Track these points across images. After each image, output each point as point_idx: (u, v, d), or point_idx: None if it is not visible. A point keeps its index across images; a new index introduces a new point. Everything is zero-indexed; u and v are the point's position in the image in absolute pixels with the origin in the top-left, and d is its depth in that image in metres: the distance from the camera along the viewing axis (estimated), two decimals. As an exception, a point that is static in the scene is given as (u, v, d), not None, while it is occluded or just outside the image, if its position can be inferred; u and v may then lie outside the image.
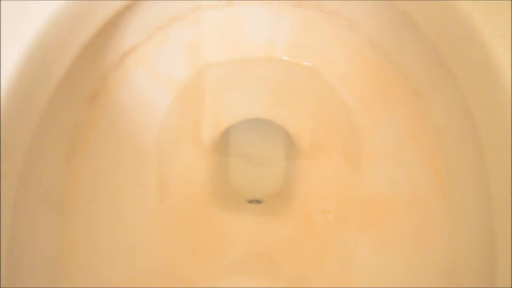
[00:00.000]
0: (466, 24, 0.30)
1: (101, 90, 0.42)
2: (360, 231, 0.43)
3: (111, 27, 0.38)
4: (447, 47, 0.33)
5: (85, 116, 0.41)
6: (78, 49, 0.34)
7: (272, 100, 0.50)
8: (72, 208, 0.40)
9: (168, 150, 0.48)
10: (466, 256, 0.36)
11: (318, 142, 0.50)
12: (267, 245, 0.48)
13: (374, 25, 0.41)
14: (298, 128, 0.51)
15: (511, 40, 0.29)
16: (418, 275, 0.39)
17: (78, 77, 0.37)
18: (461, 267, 0.36)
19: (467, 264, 0.36)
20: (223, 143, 0.54)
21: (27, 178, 0.33)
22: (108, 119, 0.43)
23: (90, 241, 0.41)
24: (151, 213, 0.46)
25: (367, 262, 0.42)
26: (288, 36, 0.47)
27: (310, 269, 0.44)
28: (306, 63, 0.48)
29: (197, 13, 0.44)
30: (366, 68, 0.45)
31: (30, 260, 0.35)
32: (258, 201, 0.53)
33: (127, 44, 0.42)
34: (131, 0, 0.37)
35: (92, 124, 0.42)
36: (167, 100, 0.47)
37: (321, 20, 0.44)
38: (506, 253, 0.29)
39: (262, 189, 0.54)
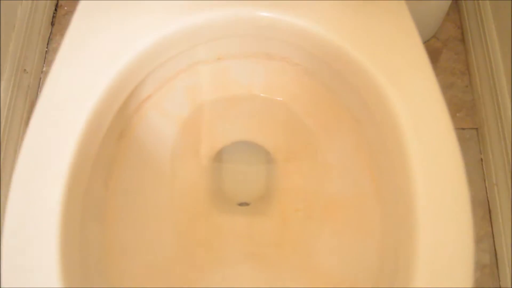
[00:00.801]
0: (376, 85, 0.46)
1: (126, 129, 0.57)
2: (321, 224, 0.59)
3: (138, 85, 0.53)
4: (365, 93, 0.49)
5: (116, 150, 0.56)
6: (119, 106, 0.49)
7: (253, 126, 0.66)
8: (110, 217, 0.55)
9: (176, 167, 0.63)
10: (393, 237, 0.52)
11: (289, 156, 0.66)
12: (254, 238, 0.64)
13: (324, 74, 0.56)
14: (273, 146, 0.66)
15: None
16: (362, 251, 0.55)
17: (114, 123, 0.52)
18: (389, 245, 0.52)
19: (393, 242, 0.51)
20: (218, 160, 0.69)
21: (84, 201, 0.48)
22: (133, 150, 0.58)
23: (124, 240, 0.56)
24: (167, 215, 0.61)
25: (327, 245, 0.58)
26: (264, 80, 0.62)
27: (286, 252, 0.60)
28: (278, 98, 0.63)
29: (196, 67, 0.59)
30: (321, 102, 0.60)
31: (87, 257, 0.50)
32: (246, 203, 0.68)
33: (145, 93, 0.57)
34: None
35: (121, 155, 0.56)
36: (174, 131, 0.62)
37: (287, 69, 0.59)
38: (423, 233, 0.43)
39: (248, 194, 0.69)
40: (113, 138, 0.54)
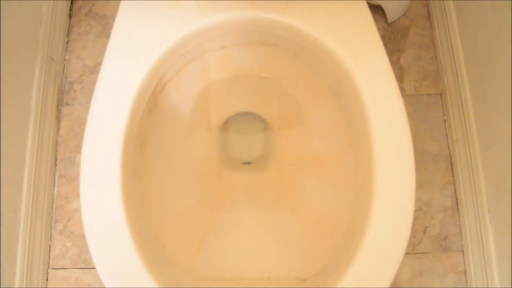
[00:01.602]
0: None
1: (154, 106, 0.72)
2: (310, 174, 0.75)
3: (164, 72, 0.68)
4: (337, 73, 0.64)
5: (147, 123, 0.71)
6: (152, 89, 0.64)
7: (252, 100, 0.81)
8: (145, 175, 0.70)
9: (193, 134, 0.79)
10: (363, 182, 0.67)
11: (282, 123, 0.81)
12: (256, 188, 0.80)
13: (307, 57, 0.71)
14: (269, 115, 0.82)
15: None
16: (341, 194, 0.71)
17: (148, 102, 0.67)
18: (362, 190, 0.67)
19: (364, 187, 0.67)
20: (225, 128, 0.84)
21: (132, 162, 0.64)
22: (159, 123, 0.73)
23: (157, 192, 0.72)
24: (187, 173, 0.77)
25: (315, 191, 0.74)
26: (260, 62, 0.77)
27: (282, 198, 0.76)
28: (272, 77, 0.78)
29: (205, 54, 0.74)
30: (307, 79, 0.75)
31: (134, 201, 0.65)
32: (249, 162, 0.84)
33: (167, 77, 0.72)
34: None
35: (151, 127, 0.72)
36: (190, 106, 0.77)
37: (278, 53, 0.74)
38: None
39: (250, 155, 0.85)
40: (145, 114, 0.69)
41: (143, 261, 0.54)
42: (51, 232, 0.99)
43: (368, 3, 1.09)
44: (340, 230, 0.65)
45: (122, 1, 0.66)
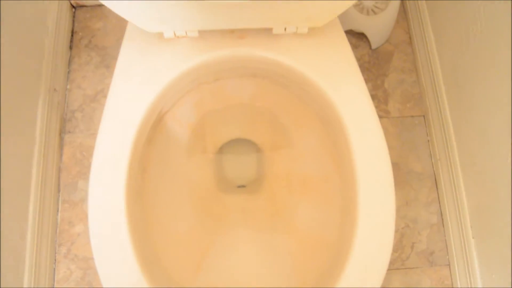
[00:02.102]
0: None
1: (153, 136, 0.77)
2: (299, 196, 0.81)
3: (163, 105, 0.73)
4: (320, 101, 0.70)
5: (147, 151, 0.76)
6: (153, 121, 0.70)
7: (245, 127, 0.87)
8: (146, 199, 0.75)
9: (190, 161, 0.84)
10: (349, 203, 0.73)
11: (273, 147, 0.87)
12: (250, 210, 0.85)
13: (294, 87, 0.77)
14: (261, 140, 0.88)
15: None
16: (328, 213, 0.76)
17: (148, 133, 0.72)
18: (348, 210, 0.73)
19: (349, 207, 0.72)
20: (220, 153, 0.90)
21: (134, 187, 0.69)
22: (158, 151, 0.78)
23: (156, 215, 0.77)
24: (185, 197, 0.82)
25: (304, 212, 0.79)
26: (251, 92, 0.83)
27: (274, 219, 0.81)
28: (262, 105, 0.84)
29: (200, 86, 0.79)
30: (294, 107, 0.81)
31: (137, 222, 0.70)
32: (243, 186, 0.89)
33: (165, 109, 0.77)
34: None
35: (150, 155, 0.77)
36: (187, 134, 0.83)
37: (268, 84, 0.80)
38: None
39: (244, 178, 0.90)
40: (146, 143, 0.75)
41: (148, 282, 0.59)
42: (55, 256, 1.03)
43: (353, 31, 1.16)
44: (329, 248, 0.70)
45: (125, 36, 0.71)
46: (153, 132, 0.76)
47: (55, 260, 1.03)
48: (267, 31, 0.69)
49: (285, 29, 0.68)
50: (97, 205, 0.62)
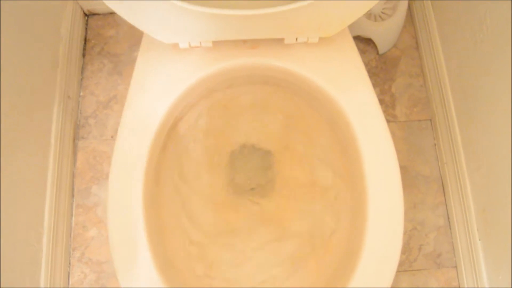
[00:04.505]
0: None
1: (168, 142, 0.80)
2: (310, 200, 0.83)
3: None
4: (330, 107, 0.72)
5: (162, 158, 0.78)
6: (168, 128, 0.72)
7: (257, 132, 0.89)
8: (160, 205, 0.78)
9: (203, 166, 0.86)
10: (358, 207, 0.75)
11: (284, 152, 0.89)
12: (261, 213, 0.87)
13: (304, 94, 0.79)
14: (271, 145, 0.90)
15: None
16: (339, 219, 0.78)
17: (163, 140, 0.75)
18: (357, 210, 0.75)
19: (358, 208, 0.74)
20: (231, 158, 0.92)
21: (150, 193, 0.71)
22: (171, 157, 0.81)
23: (169, 218, 0.79)
24: (199, 201, 0.84)
25: (314, 216, 0.82)
26: (262, 98, 0.85)
27: (287, 221, 0.83)
28: (272, 111, 0.86)
29: (212, 94, 0.82)
30: (304, 113, 0.83)
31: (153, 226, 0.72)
32: (253, 189, 0.91)
33: (180, 115, 0.80)
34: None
35: (164, 161, 0.79)
36: (200, 139, 0.85)
37: (278, 91, 0.83)
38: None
39: (255, 182, 0.92)
40: (161, 149, 0.77)
41: (164, 283, 0.61)
42: (70, 259, 1.06)
43: (360, 37, 1.18)
44: (339, 249, 0.73)
45: (142, 46, 0.74)
46: (167, 139, 0.79)
47: (69, 263, 1.06)
48: (279, 41, 0.71)
49: (296, 39, 0.70)
50: (115, 210, 0.64)
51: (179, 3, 0.58)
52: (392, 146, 0.67)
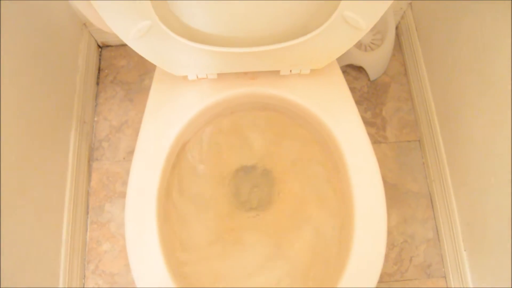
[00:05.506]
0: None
1: (176, 163, 0.89)
2: (304, 213, 0.91)
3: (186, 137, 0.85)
4: (321, 130, 0.81)
5: (171, 177, 0.88)
6: (178, 150, 0.81)
7: (257, 153, 0.98)
8: (171, 219, 0.86)
9: (208, 184, 0.95)
10: (347, 220, 0.83)
11: (282, 171, 0.98)
12: (262, 225, 0.96)
13: (299, 119, 0.89)
14: (271, 165, 0.99)
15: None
16: (330, 230, 0.87)
17: (173, 160, 0.84)
18: (346, 222, 0.83)
19: (347, 224, 0.83)
20: (234, 178, 1.01)
21: (163, 209, 0.80)
22: (180, 176, 0.90)
23: (179, 231, 0.87)
24: (205, 215, 0.92)
25: (308, 227, 0.90)
26: (262, 123, 0.94)
27: (284, 233, 0.91)
28: (272, 134, 0.96)
29: (217, 119, 0.91)
30: (299, 135, 0.92)
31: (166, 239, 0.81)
32: (255, 205, 1.00)
33: (187, 139, 0.89)
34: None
35: (174, 179, 0.88)
36: (205, 161, 0.94)
37: (276, 116, 0.92)
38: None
39: (257, 198, 1.01)
40: (171, 169, 0.86)
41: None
42: (84, 272, 1.14)
43: (353, 65, 1.29)
44: (329, 257, 0.81)
45: (155, 78, 0.83)
46: (177, 159, 0.88)
47: (84, 275, 1.14)
48: (275, 72, 0.81)
49: (290, 71, 0.80)
50: (133, 224, 0.73)
51: (190, 42, 0.69)
52: (377, 166, 0.76)
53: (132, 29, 0.66)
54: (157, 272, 0.72)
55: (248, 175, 0.99)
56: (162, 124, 0.79)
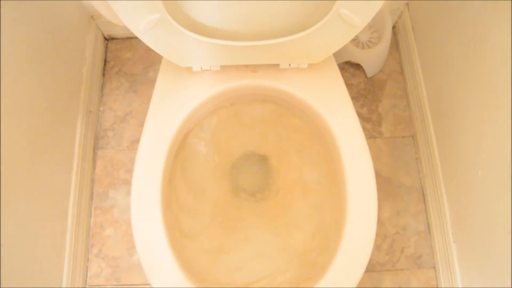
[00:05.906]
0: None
1: (179, 151, 0.93)
2: (301, 201, 0.96)
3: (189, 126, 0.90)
4: (318, 122, 0.86)
5: (174, 164, 0.92)
6: (181, 139, 0.86)
7: (256, 142, 1.03)
8: (172, 206, 0.91)
9: (207, 169, 1.00)
10: (340, 209, 0.88)
11: (280, 159, 1.03)
12: (261, 212, 1.00)
13: (296, 111, 0.93)
14: (270, 154, 1.03)
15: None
16: (325, 217, 0.91)
17: (176, 149, 0.88)
18: (342, 212, 0.87)
19: (341, 212, 0.87)
20: (234, 165, 1.05)
21: (166, 195, 0.84)
22: (182, 163, 0.94)
23: (182, 221, 0.92)
24: (205, 202, 0.97)
25: (305, 215, 0.95)
26: (261, 114, 0.99)
27: (281, 219, 0.96)
28: (270, 125, 1.00)
29: (218, 110, 0.95)
30: (296, 126, 0.97)
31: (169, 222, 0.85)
32: (253, 192, 1.05)
33: (189, 128, 0.94)
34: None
35: (176, 167, 0.93)
36: (206, 149, 0.99)
37: (275, 107, 0.97)
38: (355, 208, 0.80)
39: (256, 186, 1.05)
40: (174, 157, 0.90)
41: (183, 273, 0.75)
42: (88, 255, 1.18)
43: (350, 62, 1.33)
44: (325, 243, 0.86)
45: (161, 69, 0.88)
46: (180, 148, 0.92)
47: (87, 259, 1.18)
48: (275, 66, 0.86)
49: (289, 64, 0.84)
50: (138, 210, 0.77)
51: (195, 35, 0.73)
52: (369, 156, 0.81)
53: (142, 22, 0.70)
54: (161, 254, 0.76)
55: (248, 162, 1.04)
56: (167, 114, 0.83)
